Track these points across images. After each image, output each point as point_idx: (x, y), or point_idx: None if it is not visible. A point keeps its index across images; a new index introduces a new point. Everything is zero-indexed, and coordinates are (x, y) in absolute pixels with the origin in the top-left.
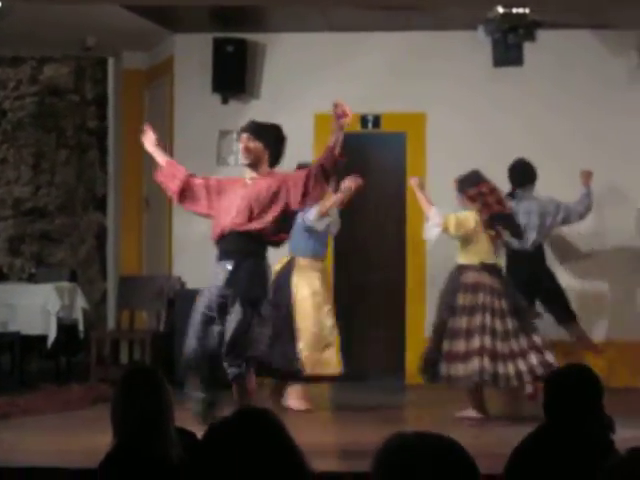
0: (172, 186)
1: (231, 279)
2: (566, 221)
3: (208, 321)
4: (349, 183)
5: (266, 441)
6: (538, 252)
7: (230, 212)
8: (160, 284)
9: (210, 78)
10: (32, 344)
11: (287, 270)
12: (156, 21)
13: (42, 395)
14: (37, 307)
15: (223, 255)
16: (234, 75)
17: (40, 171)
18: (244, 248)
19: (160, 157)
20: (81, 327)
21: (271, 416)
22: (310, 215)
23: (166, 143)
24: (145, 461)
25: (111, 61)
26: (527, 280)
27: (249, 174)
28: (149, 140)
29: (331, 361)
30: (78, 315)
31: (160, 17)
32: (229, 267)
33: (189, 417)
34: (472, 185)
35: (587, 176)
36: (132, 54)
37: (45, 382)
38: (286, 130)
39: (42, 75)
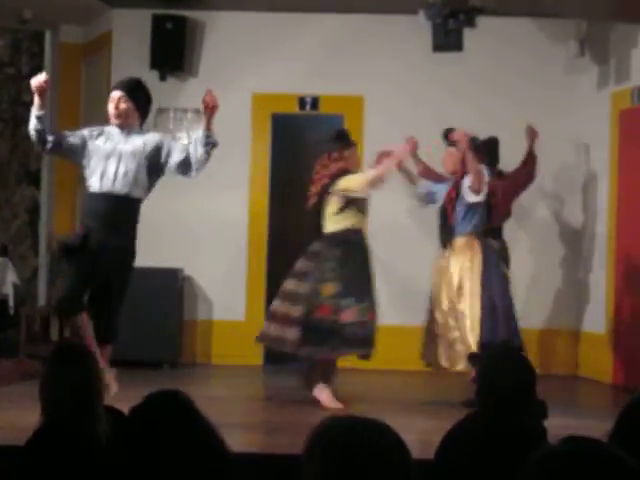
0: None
1: None
2: None
3: None
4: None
5: (178, 422)
6: None
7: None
8: None
9: (148, 54)
10: None
11: None
12: None
13: None
14: None
15: None
16: (173, 52)
17: None
18: None
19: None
20: (11, 303)
21: (182, 398)
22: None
23: (102, 117)
24: (73, 438)
25: (48, 34)
26: None
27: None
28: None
29: None
30: (9, 290)
31: None
32: None
33: (117, 395)
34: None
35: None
36: (70, 28)
37: None
38: (224, 109)
39: None
